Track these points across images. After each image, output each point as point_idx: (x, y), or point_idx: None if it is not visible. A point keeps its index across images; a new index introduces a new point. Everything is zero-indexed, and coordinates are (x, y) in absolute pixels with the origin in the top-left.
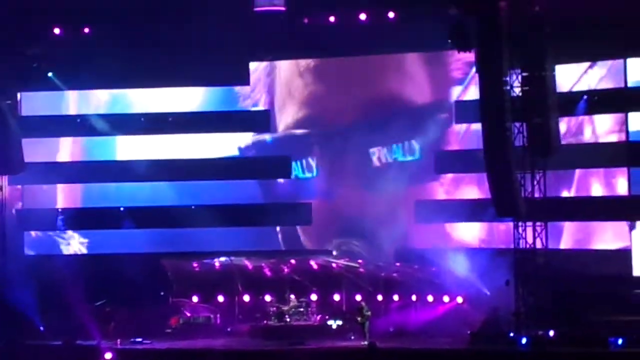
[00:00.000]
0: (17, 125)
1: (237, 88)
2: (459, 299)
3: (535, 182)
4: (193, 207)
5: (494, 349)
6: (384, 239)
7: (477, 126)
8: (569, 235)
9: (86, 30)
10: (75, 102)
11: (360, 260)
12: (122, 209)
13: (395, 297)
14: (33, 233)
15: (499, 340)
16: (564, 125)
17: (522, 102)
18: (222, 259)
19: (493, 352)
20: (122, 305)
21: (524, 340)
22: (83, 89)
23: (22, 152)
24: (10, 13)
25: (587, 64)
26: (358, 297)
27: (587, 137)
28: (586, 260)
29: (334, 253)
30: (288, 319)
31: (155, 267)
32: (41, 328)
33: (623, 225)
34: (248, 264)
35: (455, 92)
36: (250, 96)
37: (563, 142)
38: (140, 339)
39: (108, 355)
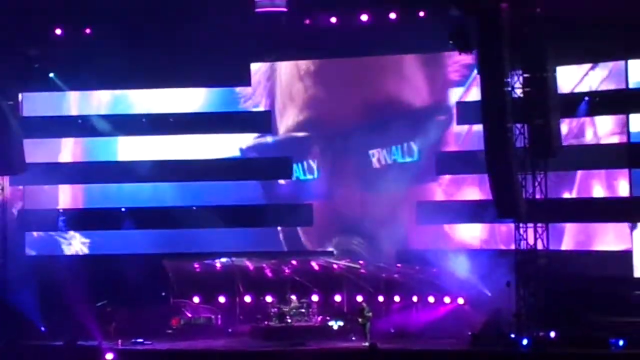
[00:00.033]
0: (18, 126)
1: (238, 90)
2: (460, 300)
3: (536, 184)
4: (194, 207)
5: (495, 350)
6: (385, 239)
7: (478, 127)
8: (570, 237)
9: (87, 30)
10: (76, 102)
11: (361, 262)
12: (123, 209)
13: (396, 298)
14: (34, 233)
15: (500, 342)
16: (565, 126)
17: (524, 103)
18: (223, 259)
19: (494, 353)
20: (123, 305)
21: (525, 342)
22: (84, 90)
23: (24, 153)
24: (11, 13)
25: (589, 65)
26: (359, 298)
27: (589, 138)
28: (587, 261)
29: (334, 252)
30: (289, 320)
31: (157, 268)
32: (42, 328)
33: (624, 226)
34: (249, 264)
35: (453, 94)
36: (251, 99)
37: (564, 143)
38: (141, 340)
39: (109, 355)
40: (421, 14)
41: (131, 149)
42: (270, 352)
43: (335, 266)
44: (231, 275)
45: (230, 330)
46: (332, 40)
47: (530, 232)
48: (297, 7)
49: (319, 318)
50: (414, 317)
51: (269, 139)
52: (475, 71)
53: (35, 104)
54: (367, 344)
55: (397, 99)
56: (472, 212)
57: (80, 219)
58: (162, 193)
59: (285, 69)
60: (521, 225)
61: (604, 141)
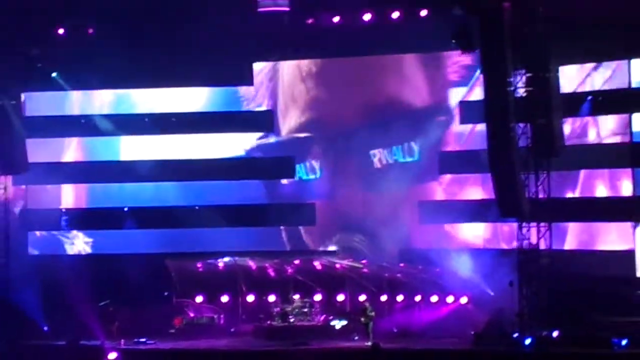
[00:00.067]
0: (20, 126)
1: (241, 91)
2: (463, 300)
3: (539, 183)
4: (197, 207)
5: (497, 349)
6: (387, 239)
7: (481, 127)
8: (573, 237)
9: (90, 30)
10: (78, 102)
11: (364, 261)
12: (126, 209)
13: (399, 298)
14: (37, 233)
15: (503, 341)
16: (568, 126)
17: (526, 102)
18: (226, 259)
19: (497, 353)
20: (125, 305)
21: (527, 341)
22: (87, 89)
23: (26, 153)
24: (13, 13)
25: (592, 65)
26: (362, 298)
27: (592, 138)
28: (590, 261)
29: (337, 251)
30: (292, 320)
31: (159, 268)
32: (45, 328)
33: (627, 226)
34: (252, 264)
35: (453, 95)
36: (254, 100)
37: (567, 143)
38: (144, 339)
39: (112, 355)
40: (424, 13)
41: (133, 148)
42: (272, 351)
43: (338, 266)
44: (234, 275)
45: (232, 329)
46: (334, 39)
47: (533, 231)
48: (300, 6)
49: (322, 318)
50: (417, 317)
51: (271, 139)
52: (479, 71)
53: (38, 103)
54: (369, 343)
55: (398, 100)
56: (474, 211)
57: (82, 219)
58: (165, 193)
59: (288, 70)
60: (524, 224)
61: (606, 141)
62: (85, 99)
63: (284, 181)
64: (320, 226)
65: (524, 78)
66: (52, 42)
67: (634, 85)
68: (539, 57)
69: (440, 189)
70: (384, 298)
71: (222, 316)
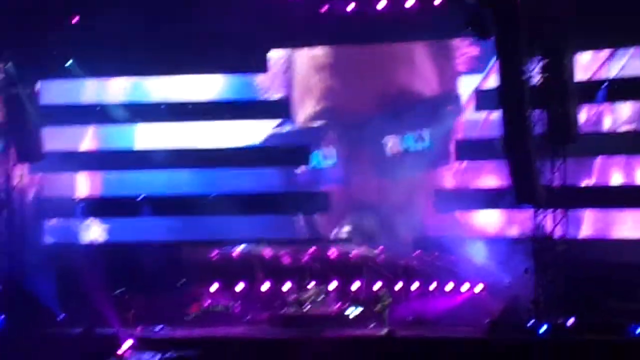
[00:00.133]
0: (36, 114)
1: (256, 82)
2: (478, 288)
3: (554, 170)
4: (212, 195)
5: (513, 337)
6: (402, 226)
7: (497, 114)
8: (588, 225)
9: (105, 17)
10: (94, 90)
11: (379, 248)
12: (141, 197)
13: (414, 286)
14: (52, 221)
15: (518, 329)
16: (584, 114)
17: (542, 89)
18: (242, 247)
19: (512, 341)
20: (140, 293)
21: (543, 329)
22: (102, 77)
23: (41, 141)
24: (28, 1)
25: (608, 52)
26: (377, 285)
27: (607, 126)
28: (606, 248)
29: (349, 229)
30: (307, 307)
31: (174, 255)
32: (60, 316)
33: None
34: (267, 252)
35: (462, 84)
36: (269, 91)
37: (583, 131)
38: (159, 327)
39: (128, 342)
40: (438, 1)
41: (149, 136)
42: (288, 339)
43: (353, 253)
44: (249, 263)
45: (248, 317)
46: (348, 27)
47: (549, 219)
48: None
49: (337, 305)
50: (432, 305)
51: (286, 127)
52: (494, 58)
53: (53, 92)
54: (385, 331)
55: (409, 90)
56: (490, 198)
57: (97, 207)
58: (180, 181)
59: (302, 61)
60: (539, 211)
61: (622, 129)
62: (101, 87)
63: (300, 169)
64: (336, 211)
65: (539, 65)
66: (67, 31)
67: None
68: (554, 43)
69: (454, 176)
70: (399, 286)
71: (237, 304)
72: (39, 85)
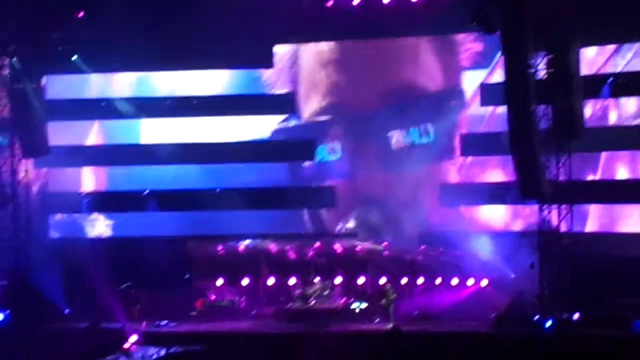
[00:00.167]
0: (41, 109)
1: (263, 77)
2: (484, 282)
3: (560, 165)
4: (218, 190)
5: (518, 331)
6: (407, 221)
7: (502, 109)
8: (594, 220)
9: (110, 13)
10: (99, 85)
11: (385, 243)
12: (146, 191)
13: (420, 280)
14: (58, 215)
15: (524, 323)
16: (589, 109)
17: (547, 84)
18: (247, 241)
19: (518, 335)
20: (146, 287)
21: (548, 323)
22: (107, 72)
23: (47, 136)
24: None
25: (614, 47)
26: (382, 280)
27: (613, 121)
28: (611, 243)
29: (354, 224)
30: (312, 302)
31: (180, 250)
32: (66, 311)
33: None
34: (273, 246)
35: (466, 80)
36: (275, 87)
37: (588, 125)
38: (165, 322)
39: (133, 337)
40: None
41: (154, 131)
42: (293, 334)
43: (359, 248)
44: (255, 258)
45: (253, 312)
46: (354, 21)
47: (554, 213)
48: None
49: (343, 300)
50: (437, 299)
51: (292, 122)
52: (499, 53)
53: (59, 87)
54: (390, 325)
55: (414, 85)
56: (495, 193)
57: (103, 201)
58: (186, 175)
59: (308, 57)
60: (545, 206)
61: (628, 124)
62: (106, 81)
63: (306, 164)
64: (341, 206)
65: (544, 60)
66: (72, 25)
67: None
68: (559, 38)
69: (459, 170)
70: (404, 280)
71: (242, 299)
72: (44, 80)
